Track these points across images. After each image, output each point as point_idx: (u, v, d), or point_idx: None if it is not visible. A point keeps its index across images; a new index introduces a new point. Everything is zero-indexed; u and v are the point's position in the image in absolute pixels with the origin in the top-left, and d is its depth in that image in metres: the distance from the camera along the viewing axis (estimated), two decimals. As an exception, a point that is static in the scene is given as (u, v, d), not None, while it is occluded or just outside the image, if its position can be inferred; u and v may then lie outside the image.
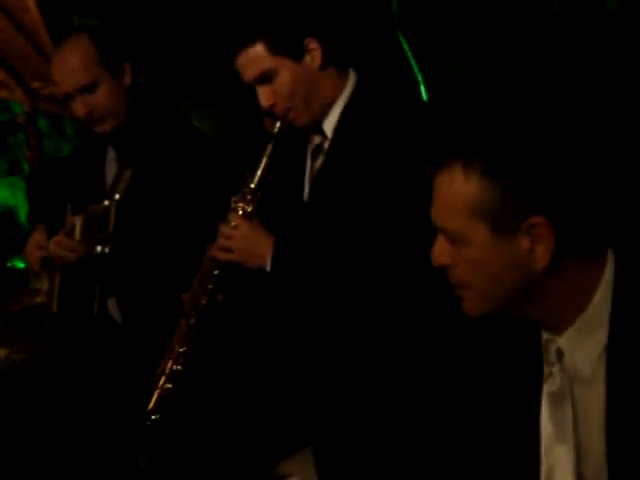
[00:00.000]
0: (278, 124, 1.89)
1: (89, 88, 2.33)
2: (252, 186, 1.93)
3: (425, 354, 1.85)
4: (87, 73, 2.34)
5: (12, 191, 10.26)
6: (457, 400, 1.70)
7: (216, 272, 1.97)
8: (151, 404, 1.97)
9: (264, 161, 1.91)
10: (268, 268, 1.87)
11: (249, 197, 1.93)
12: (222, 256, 1.93)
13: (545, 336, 1.35)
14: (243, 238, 1.89)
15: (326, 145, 1.94)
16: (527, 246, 1.24)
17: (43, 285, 2.56)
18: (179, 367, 1.99)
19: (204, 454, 2.12)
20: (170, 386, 1.98)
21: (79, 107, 2.26)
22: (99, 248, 2.19)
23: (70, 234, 2.26)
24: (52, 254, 2.27)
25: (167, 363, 2.00)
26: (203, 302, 1.98)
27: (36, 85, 8.92)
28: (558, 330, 1.31)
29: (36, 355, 2.72)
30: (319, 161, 1.95)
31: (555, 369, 1.34)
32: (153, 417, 1.96)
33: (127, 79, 2.29)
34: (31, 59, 8.67)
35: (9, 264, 8.15)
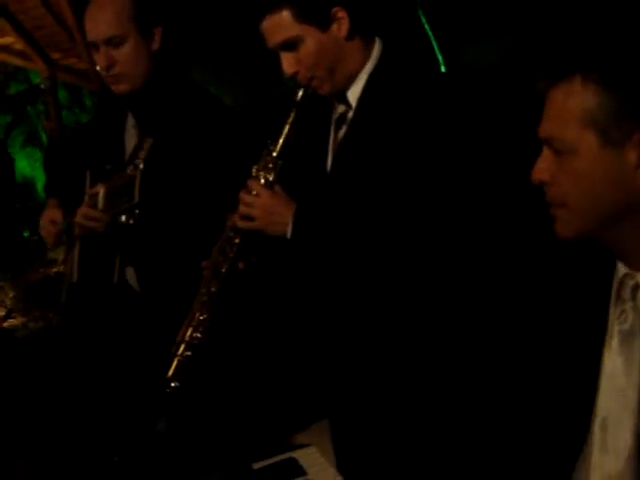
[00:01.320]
0: (300, 92, 1.87)
1: (116, 41, 2.17)
2: (274, 154, 1.90)
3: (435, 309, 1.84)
4: (118, 26, 2.17)
5: (30, 162, 10.28)
6: (514, 334, 1.70)
7: (237, 240, 1.96)
8: (171, 371, 1.97)
9: (286, 129, 1.89)
10: (289, 235, 1.85)
11: (270, 165, 1.91)
12: (243, 224, 1.92)
13: (623, 270, 1.29)
14: (264, 206, 1.88)
15: (350, 115, 1.91)
16: (634, 160, 1.21)
17: (59, 255, 2.55)
18: (199, 335, 1.98)
19: (222, 422, 2.12)
20: (190, 354, 1.98)
21: (101, 58, 2.18)
22: (123, 218, 2.15)
23: (93, 204, 2.23)
24: (79, 226, 2.25)
25: (187, 331, 1.99)
26: (224, 270, 1.97)
27: (56, 56, 8.95)
28: (639, 264, 1.25)
29: (53, 323, 2.73)
30: (343, 131, 1.93)
31: (628, 306, 1.26)
32: (173, 384, 1.96)
33: (155, 45, 2.24)
34: (51, 30, 8.72)
35: (26, 234, 8.21)
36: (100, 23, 2.16)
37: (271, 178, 1.90)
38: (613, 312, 1.29)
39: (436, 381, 1.87)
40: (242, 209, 1.89)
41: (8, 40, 9.94)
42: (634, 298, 1.26)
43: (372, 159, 1.81)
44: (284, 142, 1.88)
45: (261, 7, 1.83)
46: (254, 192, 1.88)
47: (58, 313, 2.55)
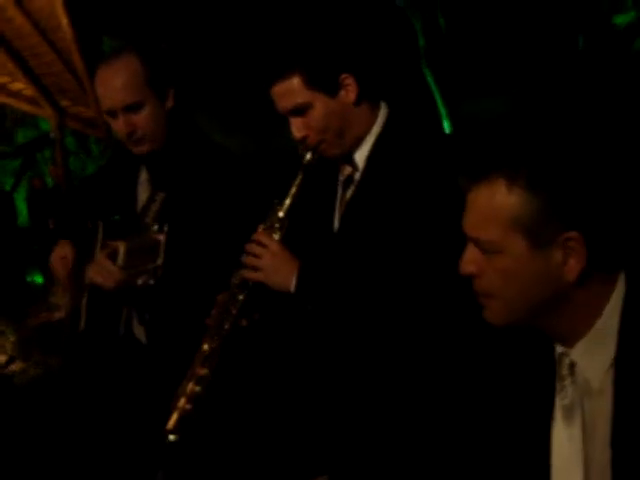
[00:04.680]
0: (308, 155, 1.90)
1: (135, 107, 2.16)
2: (280, 215, 1.92)
3: (437, 368, 1.85)
4: (135, 92, 2.15)
5: (34, 206, 10.26)
6: (468, 412, 1.71)
7: (241, 297, 1.97)
8: (170, 423, 1.97)
9: (293, 190, 1.92)
10: (292, 289, 1.87)
11: (277, 225, 1.93)
12: (249, 275, 1.94)
13: (559, 350, 1.31)
14: (272, 257, 1.89)
15: (357, 176, 1.94)
16: (560, 259, 1.21)
17: (61, 300, 2.54)
18: (199, 389, 1.99)
19: (219, 474, 2.11)
20: (190, 407, 1.98)
21: (121, 125, 2.17)
22: (144, 278, 2.13)
23: (112, 258, 2.17)
24: (92, 276, 2.23)
25: (188, 384, 2.00)
26: (226, 326, 1.98)
27: (64, 103, 9.09)
28: (571, 342, 1.28)
29: (53, 369, 2.73)
30: (350, 192, 1.96)
31: (567, 382, 1.29)
32: (172, 437, 1.96)
33: (169, 103, 2.28)
34: (61, 77, 8.87)
35: (29, 279, 8.23)
36: (117, 90, 2.14)
37: (277, 237, 1.92)
38: (557, 387, 1.32)
39: (433, 443, 1.87)
40: (249, 260, 1.91)
41: (18, 86, 10.09)
42: (572, 374, 1.28)
43: (379, 219, 1.84)
44: (291, 203, 1.91)
45: (272, 73, 1.87)
46: (262, 243, 1.90)
47: (58, 359, 2.55)
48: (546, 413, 1.32)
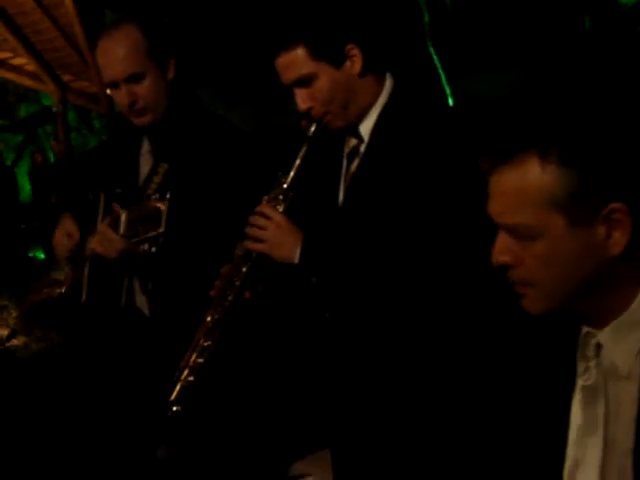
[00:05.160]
0: (313, 127, 1.88)
1: (136, 78, 2.15)
2: (284, 186, 1.91)
3: (443, 342, 1.84)
4: (136, 63, 2.15)
5: (37, 182, 10.26)
6: (487, 389, 1.69)
7: (244, 269, 1.97)
8: (173, 395, 1.98)
9: (297, 162, 1.90)
10: (296, 261, 1.86)
11: (281, 197, 1.92)
12: (252, 246, 1.93)
13: (585, 329, 1.26)
14: (275, 229, 1.88)
15: (362, 148, 1.93)
16: (603, 234, 1.14)
17: (63, 276, 2.54)
18: (202, 360, 1.99)
19: (222, 448, 2.12)
20: (192, 379, 1.98)
21: (122, 96, 2.17)
22: (145, 246, 2.15)
23: (113, 227, 2.19)
24: (94, 246, 2.25)
25: (191, 356, 2.00)
26: (230, 298, 1.98)
27: (67, 78, 9.04)
28: (601, 323, 1.22)
29: (55, 344, 2.73)
30: (355, 164, 1.94)
31: (592, 364, 1.24)
32: (174, 408, 1.96)
33: (170, 74, 2.28)
34: (63, 52, 8.82)
35: (31, 254, 8.23)
36: (118, 61, 2.14)
37: (281, 209, 1.91)
38: (579, 367, 1.28)
39: (437, 417, 1.87)
40: (253, 231, 1.90)
41: (21, 61, 10.06)
42: (597, 356, 1.24)
43: (385, 191, 1.83)
44: (295, 175, 1.90)
45: (276, 44, 1.86)
46: (265, 215, 1.89)
47: (60, 334, 2.55)
48: (565, 392, 1.28)
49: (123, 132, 2.46)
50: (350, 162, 1.96)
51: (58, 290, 2.54)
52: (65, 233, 2.39)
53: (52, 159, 10.39)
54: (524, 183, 1.14)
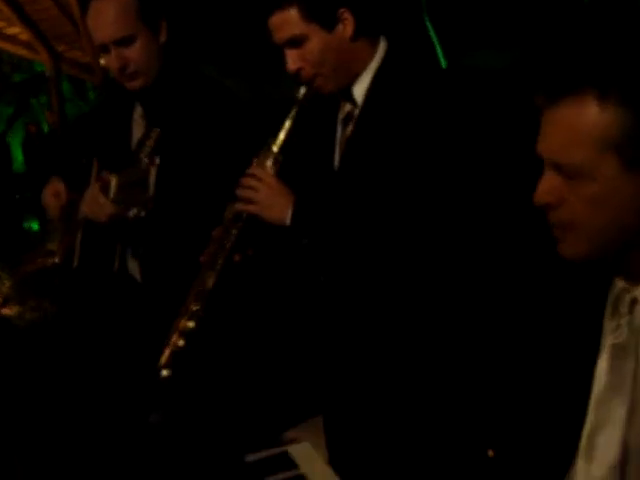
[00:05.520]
0: (303, 89, 1.88)
1: (126, 41, 2.16)
2: (274, 149, 1.92)
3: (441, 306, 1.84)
4: (126, 25, 2.15)
5: (30, 152, 10.21)
6: (510, 341, 1.67)
7: (234, 231, 1.97)
8: (162, 360, 1.98)
9: (287, 124, 1.90)
10: (288, 222, 1.86)
11: (270, 160, 1.91)
12: (243, 207, 1.93)
13: (620, 285, 1.24)
14: (267, 190, 1.89)
15: (356, 113, 1.93)
16: None
17: (56, 246, 2.55)
18: (192, 325, 1.99)
19: (216, 414, 2.13)
20: (182, 343, 1.99)
21: (113, 60, 2.17)
22: (135, 211, 2.15)
23: (104, 191, 2.22)
24: (85, 209, 2.25)
25: (180, 320, 2.01)
26: (220, 261, 1.98)
27: (61, 48, 8.96)
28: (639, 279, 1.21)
29: (48, 314, 2.73)
30: (349, 129, 1.94)
31: (624, 321, 1.22)
32: (164, 372, 1.96)
33: (162, 37, 2.26)
34: (57, 21, 8.72)
35: (25, 225, 8.21)
36: (108, 25, 2.14)
37: (271, 172, 1.91)
38: (608, 325, 1.26)
39: (430, 380, 1.88)
40: (243, 193, 1.90)
41: (14, 30, 9.96)
42: (631, 312, 1.22)
43: (380, 154, 1.83)
44: (285, 137, 1.90)
45: (270, 3, 1.85)
46: (256, 177, 1.90)
47: (53, 303, 2.55)
48: (589, 353, 1.26)
49: (115, 97, 2.45)
50: (345, 127, 1.96)
51: (52, 260, 2.54)
52: (52, 193, 2.38)
53: (46, 130, 10.34)
54: (580, 120, 1.12)
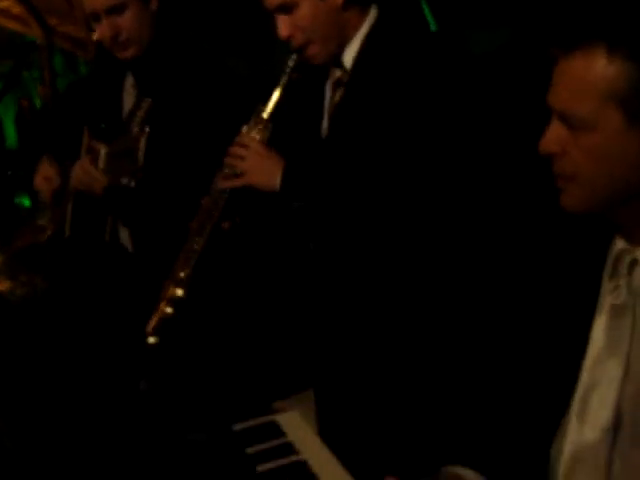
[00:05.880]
0: (294, 57, 1.88)
1: (118, 9, 2.20)
2: (264, 116, 1.92)
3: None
4: None
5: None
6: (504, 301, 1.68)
7: (223, 199, 1.97)
8: (150, 326, 1.98)
9: (278, 91, 1.90)
10: (278, 187, 1.86)
11: (260, 127, 1.92)
12: (232, 180, 1.92)
13: (621, 245, 1.26)
14: (254, 157, 1.89)
15: (346, 78, 1.92)
16: None
17: (47, 222, 2.55)
18: (180, 292, 2.00)
19: (205, 382, 2.13)
20: (170, 310, 1.99)
21: (104, 29, 2.20)
22: (125, 180, 2.16)
23: (93, 162, 2.22)
24: (74, 180, 2.25)
25: (169, 287, 2.01)
26: (208, 229, 1.98)
27: (53, 22, 8.82)
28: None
29: (39, 289, 2.73)
30: (338, 94, 1.94)
31: (623, 282, 1.25)
32: (151, 340, 1.97)
33: (153, 5, 2.25)
34: (49, -5, 8.58)
35: (16, 201, 8.16)
36: None
37: (260, 138, 1.91)
38: (606, 286, 1.28)
39: (420, 352, 1.88)
40: (232, 161, 1.90)
41: (5, 4, 9.87)
42: (630, 273, 1.25)
43: (369, 119, 1.83)
44: (275, 104, 1.89)
45: None
46: (245, 145, 1.89)
47: (45, 279, 2.55)
48: (587, 308, 1.29)
49: (107, 67, 2.44)
50: (334, 93, 1.95)
51: (43, 236, 2.54)
52: (43, 177, 2.39)
53: (38, 105, 10.26)
54: (588, 72, 1.17)
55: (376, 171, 1.81)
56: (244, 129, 1.94)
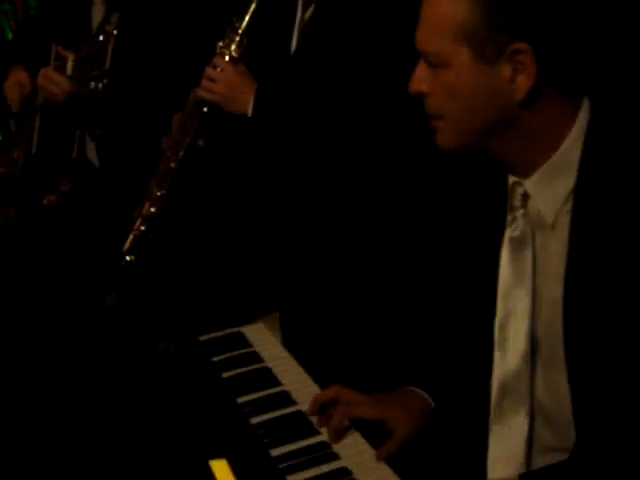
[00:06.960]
0: None
1: None
2: (239, 31, 1.90)
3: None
4: None
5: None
6: (419, 242, 1.73)
7: (197, 117, 1.96)
8: (126, 245, 1.99)
9: (252, 7, 1.89)
10: (249, 113, 1.86)
11: (235, 43, 1.91)
12: (205, 96, 1.92)
13: (511, 180, 1.30)
14: (227, 81, 1.88)
15: None
16: (508, 75, 1.18)
17: (15, 154, 2.53)
18: (155, 210, 2.00)
19: (171, 296, 2.15)
20: (144, 228, 1.99)
21: None
22: (92, 85, 2.14)
23: (61, 69, 2.19)
24: (39, 88, 2.22)
25: (144, 206, 2.01)
26: (183, 146, 1.98)
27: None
28: (526, 173, 1.26)
29: (13, 220, 2.72)
30: (309, 11, 1.93)
31: (519, 214, 1.28)
32: (127, 258, 1.98)
33: None
34: None
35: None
36: None
37: (235, 55, 1.90)
38: (508, 219, 1.31)
39: (381, 274, 1.91)
40: (205, 83, 1.90)
41: None
42: (524, 206, 1.27)
43: (338, 38, 1.82)
44: (249, 20, 1.88)
45: None
46: (219, 68, 1.88)
47: (18, 210, 2.54)
48: (495, 243, 1.32)
49: None
50: (305, 10, 1.94)
51: (15, 168, 2.53)
52: (15, 82, 2.36)
53: (10, 37, 10.06)
54: (437, 10, 1.19)
55: (343, 91, 1.81)
56: (219, 46, 1.92)
